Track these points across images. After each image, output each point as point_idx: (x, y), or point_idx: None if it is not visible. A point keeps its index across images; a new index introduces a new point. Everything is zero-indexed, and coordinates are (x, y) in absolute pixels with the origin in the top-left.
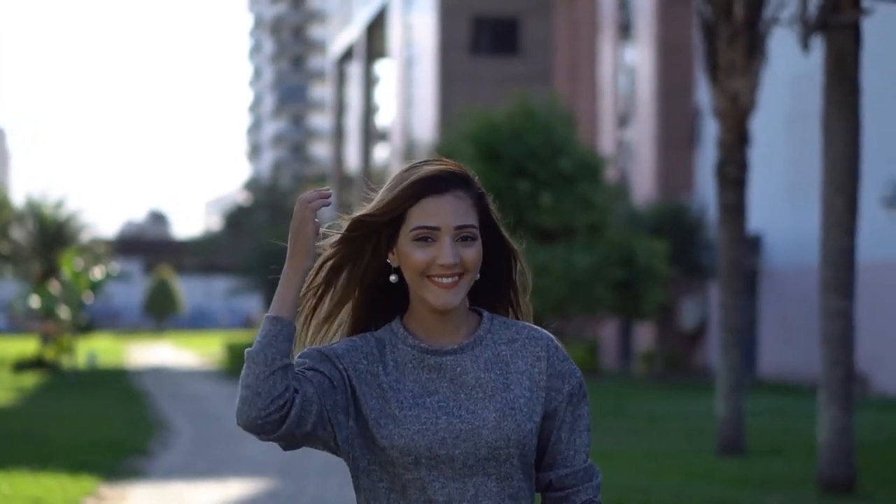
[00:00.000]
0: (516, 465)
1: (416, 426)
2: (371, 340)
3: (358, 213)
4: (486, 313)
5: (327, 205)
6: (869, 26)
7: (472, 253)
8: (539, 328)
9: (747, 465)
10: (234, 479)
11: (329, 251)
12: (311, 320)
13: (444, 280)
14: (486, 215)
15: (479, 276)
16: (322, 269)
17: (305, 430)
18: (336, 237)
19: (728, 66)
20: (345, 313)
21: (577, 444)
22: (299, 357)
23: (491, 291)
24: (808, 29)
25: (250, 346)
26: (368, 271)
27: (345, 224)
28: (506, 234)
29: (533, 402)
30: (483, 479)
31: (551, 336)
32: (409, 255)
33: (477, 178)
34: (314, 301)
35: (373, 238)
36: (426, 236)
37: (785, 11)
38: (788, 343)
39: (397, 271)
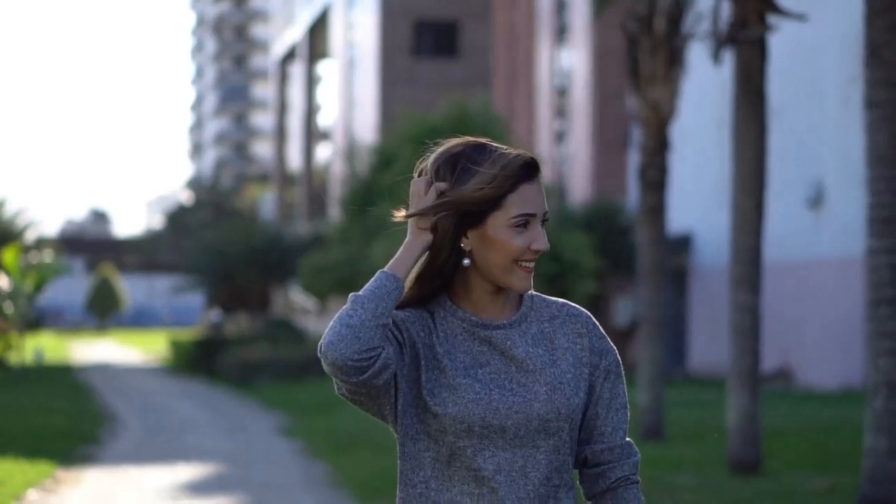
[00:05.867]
0: (564, 439)
1: (470, 395)
2: (424, 312)
3: (459, 194)
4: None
5: None
6: (789, 37)
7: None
8: (577, 306)
9: (665, 449)
10: (183, 465)
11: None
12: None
13: (531, 265)
14: None
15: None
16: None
17: (378, 384)
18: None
19: (650, 75)
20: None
21: (614, 420)
22: None
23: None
24: (718, 43)
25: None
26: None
27: (440, 205)
28: None
29: (577, 377)
30: (532, 451)
31: (589, 314)
32: (506, 240)
33: None
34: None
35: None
36: (526, 222)
37: (701, 26)
38: (717, 339)
39: (469, 254)
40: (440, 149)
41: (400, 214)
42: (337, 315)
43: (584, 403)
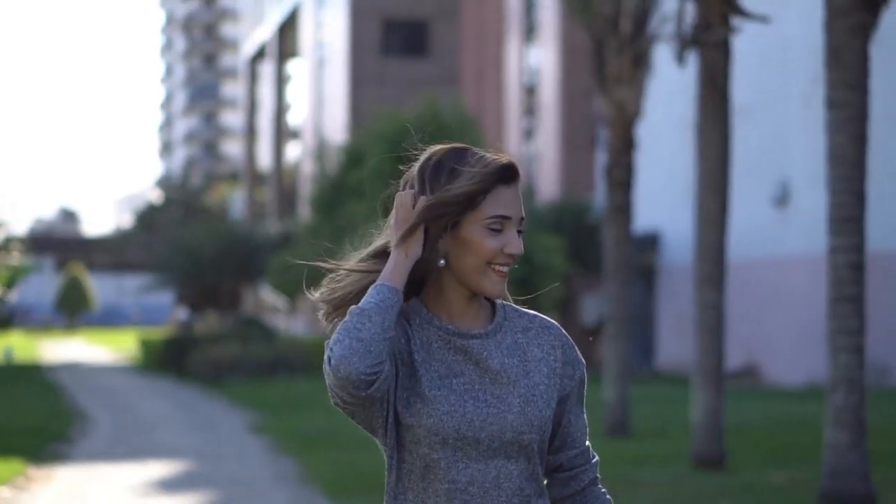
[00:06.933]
0: (535, 449)
1: (444, 407)
2: (402, 319)
3: (435, 198)
4: (497, 301)
5: None
6: (755, 38)
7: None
8: (547, 318)
9: (631, 445)
10: (153, 462)
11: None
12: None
13: (504, 269)
14: None
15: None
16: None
17: (376, 396)
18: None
19: (615, 76)
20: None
21: (580, 425)
22: None
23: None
24: (683, 45)
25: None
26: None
27: (421, 209)
28: None
29: (550, 389)
30: (504, 462)
31: (559, 326)
32: (480, 242)
33: None
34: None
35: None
36: (500, 225)
37: (666, 27)
38: (684, 337)
39: (444, 257)
40: (423, 157)
41: (393, 243)
42: (342, 329)
43: (555, 414)
